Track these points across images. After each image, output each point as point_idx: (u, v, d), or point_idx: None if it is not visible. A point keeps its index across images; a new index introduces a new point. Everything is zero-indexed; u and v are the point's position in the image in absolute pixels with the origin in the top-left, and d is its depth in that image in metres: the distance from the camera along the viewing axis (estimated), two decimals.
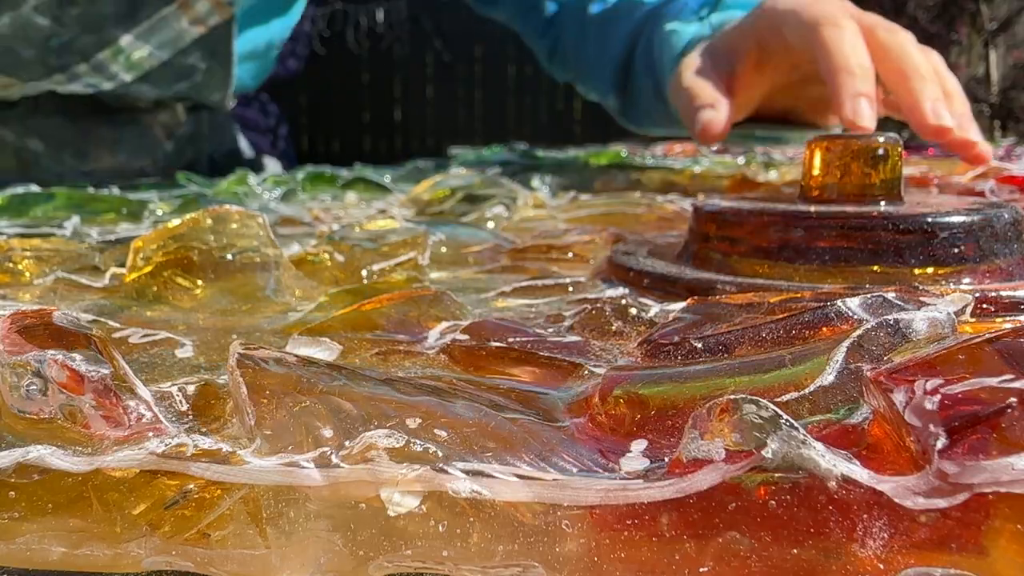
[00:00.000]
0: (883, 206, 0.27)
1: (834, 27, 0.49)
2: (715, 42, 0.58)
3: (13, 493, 0.13)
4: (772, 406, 0.12)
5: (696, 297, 0.21)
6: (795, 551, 0.11)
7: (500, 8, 0.89)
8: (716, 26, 0.61)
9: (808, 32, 0.50)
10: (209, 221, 0.28)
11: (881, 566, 0.11)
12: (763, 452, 0.11)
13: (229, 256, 0.27)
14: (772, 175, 0.73)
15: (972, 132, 0.47)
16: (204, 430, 0.15)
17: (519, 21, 0.88)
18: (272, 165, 0.92)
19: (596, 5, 0.76)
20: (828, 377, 0.14)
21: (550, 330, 0.22)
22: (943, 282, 0.25)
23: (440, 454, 0.13)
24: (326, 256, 0.32)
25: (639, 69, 0.69)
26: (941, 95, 0.48)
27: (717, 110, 0.53)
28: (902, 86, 0.48)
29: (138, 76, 0.69)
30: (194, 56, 0.71)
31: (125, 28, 0.67)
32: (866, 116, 0.46)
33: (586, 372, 0.18)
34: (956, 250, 0.25)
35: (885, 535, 0.11)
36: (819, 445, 0.12)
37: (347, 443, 0.13)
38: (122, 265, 0.29)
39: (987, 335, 0.13)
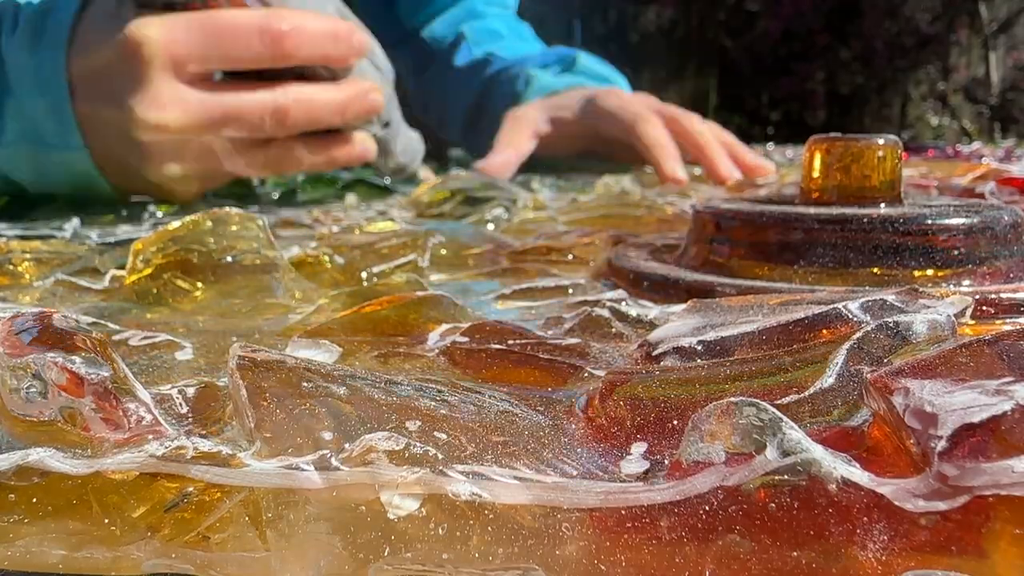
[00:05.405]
0: (883, 208, 0.27)
1: (646, 122, 0.76)
2: (550, 105, 0.85)
3: (13, 496, 0.13)
4: (772, 408, 0.12)
5: (696, 299, 0.21)
6: (795, 554, 0.11)
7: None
8: (562, 87, 0.87)
9: (628, 127, 0.77)
10: (209, 223, 0.28)
11: (881, 569, 0.11)
12: (763, 454, 0.11)
13: (229, 258, 0.27)
14: (772, 177, 0.74)
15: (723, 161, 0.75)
16: (204, 432, 0.14)
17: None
18: None
19: (460, 56, 0.98)
20: (828, 379, 0.14)
21: (550, 332, 0.22)
22: (943, 284, 0.25)
23: (440, 457, 0.13)
24: (326, 258, 0.32)
25: (496, 105, 0.90)
26: (724, 153, 0.75)
27: (506, 155, 0.78)
28: (700, 154, 0.75)
29: None
30: None
31: None
32: (680, 172, 0.72)
33: (586, 374, 0.18)
34: (956, 252, 0.25)
35: (885, 538, 0.11)
36: (819, 448, 0.12)
37: (347, 446, 0.13)
38: (122, 267, 0.29)
39: (987, 337, 0.13)
